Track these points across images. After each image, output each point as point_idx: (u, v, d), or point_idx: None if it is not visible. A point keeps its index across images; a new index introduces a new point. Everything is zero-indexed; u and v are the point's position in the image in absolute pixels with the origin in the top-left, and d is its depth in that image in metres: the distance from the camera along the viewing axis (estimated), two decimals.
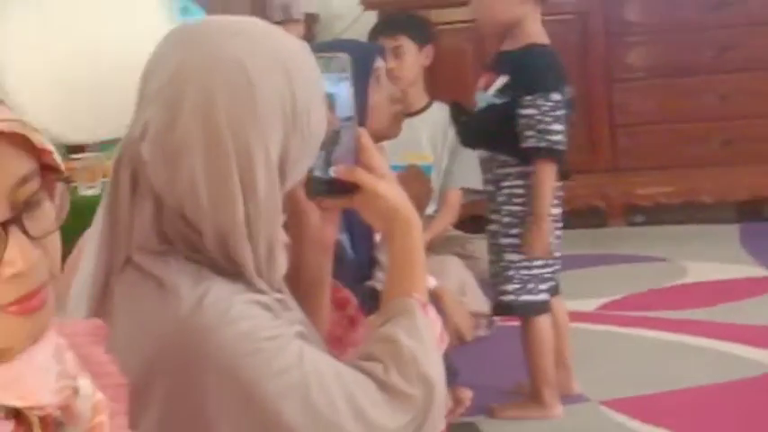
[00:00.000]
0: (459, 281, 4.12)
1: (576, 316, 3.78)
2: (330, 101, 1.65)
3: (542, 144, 3.23)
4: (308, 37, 5.43)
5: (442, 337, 1.69)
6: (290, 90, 1.54)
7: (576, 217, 3.46)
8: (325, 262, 1.78)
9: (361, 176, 1.64)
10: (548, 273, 3.35)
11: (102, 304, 1.56)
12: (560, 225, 3.39)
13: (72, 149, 4.03)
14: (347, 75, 1.68)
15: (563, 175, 3.35)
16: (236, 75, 1.52)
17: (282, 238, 1.63)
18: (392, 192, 1.67)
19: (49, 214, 1.07)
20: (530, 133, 3.23)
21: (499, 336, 3.91)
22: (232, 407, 1.50)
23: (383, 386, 1.57)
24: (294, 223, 1.74)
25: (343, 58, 1.70)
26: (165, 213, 1.55)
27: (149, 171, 1.54)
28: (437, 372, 1.61)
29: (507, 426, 3.30)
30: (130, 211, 1.57)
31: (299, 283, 1.78)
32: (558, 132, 3.24)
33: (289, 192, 1.64)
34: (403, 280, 1.71)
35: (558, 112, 3.24)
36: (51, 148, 1.07)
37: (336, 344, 1.85)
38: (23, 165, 1.04)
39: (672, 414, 3.32)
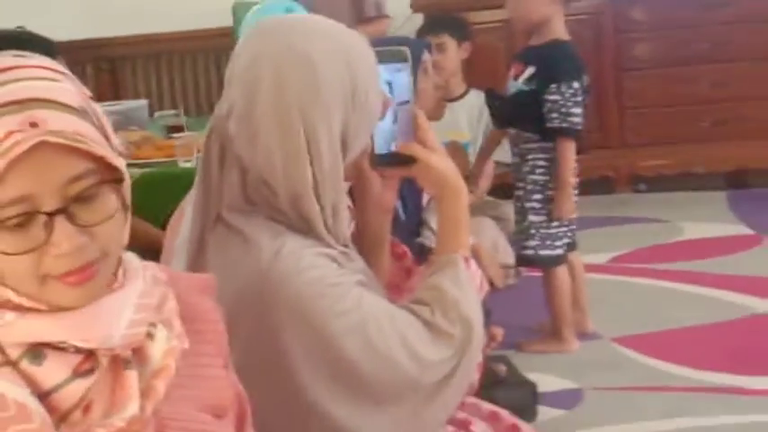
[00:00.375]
0: (492, 239, 4.15)
1: (591, 267, 3.80)
2: (390, 87, 1.65)
3: (564, 124, 3.28)
4: None
5: (481, 286, 1.69)
6: (350, 77, 1.55)
7: (590, 185, 3.47)
8: (386, 222, 1.78)
9: (417, 150, 1.64)
10: (563, 232, 3.39)
11: (198, 256, 1.60)
12: (576, 192, 3.41)
13: (172, 129, 4.10)
14: (407, 65, 1.68)
15: (580, 150, 3.37)
16: (303, 65, 1.53)
17: (346, 201, 1.64)
18: (443, 163, 1.67)
19: (104, 206, 1.08)
20: (554, 115, 3.28)
21: (525, 284, 3.94)
22: (303, 342, 1.51)
23: (429, 326, 1.58)
24: (359, 190, 1.75)
25: (404, 50, 1.70)
26: (248, 179, 1.58)
27: (235, 145, 1.57)
28: (476, 315, 1.61)
29: (532, 358, 3.31)
30: (219, 178, 1.59)
31: (363, 240, 1.78)
32: (576, 115, 3.29)
33: (355, 163, 1.66)
34: (450, 238, 1.71)
35: (578, 98, 3.29)
36: (107, 153, 1.07)
37: (395, 290, 1.84)
38: (76, 166, 1.05)
39: (671, 348, 3.38)
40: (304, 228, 1.57)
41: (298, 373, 1.51)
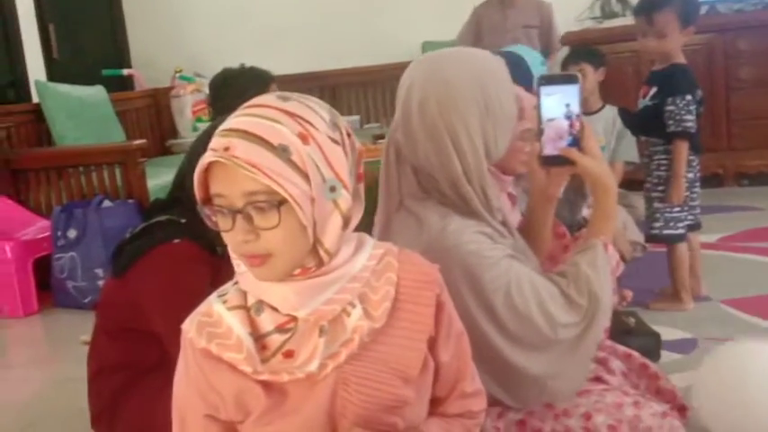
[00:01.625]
0: (622, 221, 4.06)
1: (704, 245, 3.67)
2: (567, 106, 1.60)
3: (678, 128, 3.20)
4: None
5: (617, 267, 1.66)
6: (481, 92, 1.55)
7: (703, 181, 3.37)
8: (549, 209, 1.75)
9: (574, 155, 1.60)
10: (684, 215, 3.30)
11: (385, 235, 1.62)
12: (698, 185, 3.33)
13: (377, 137, 4.18)
14: (576, 86, 1.61)
15: (698, 151, 3.29)
16: (441, 85, 1.55)
17: (492, 184, 1.61)
18: (596, 167, 1.62)
19: (271, 218, 1.10)
20: (671, 122, 3.21)
21: (650, 257, 3.85)
22: (471, 296, 1.52)
23: (564, 294, 1.56)
24: (530, 183, 1.74)
25: (575, 75, 1.66)
26: (419, 173, 1.60)
27: (403, 148, 1.61)
28: (604, 293, 1.57)
29: (657, 314, 3.22)
30: (396, 174, 1.62)
31: (530, 222, 1.78)
32: (689, 121, 3.20)
33: (526, 162, 1.70)
34: (597, 226, 1.66)
35: (690, 107, 3.20)
36: (272, 183, 1.08)
37: (554, 261, 1.85)
38: (254, 184, 1.09)
39: (767, 308, 3.23)
40: (465, 209, 1.57)
41: (475, 319, 1.51)
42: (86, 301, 3.97)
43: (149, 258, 1.95)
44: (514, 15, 4.65)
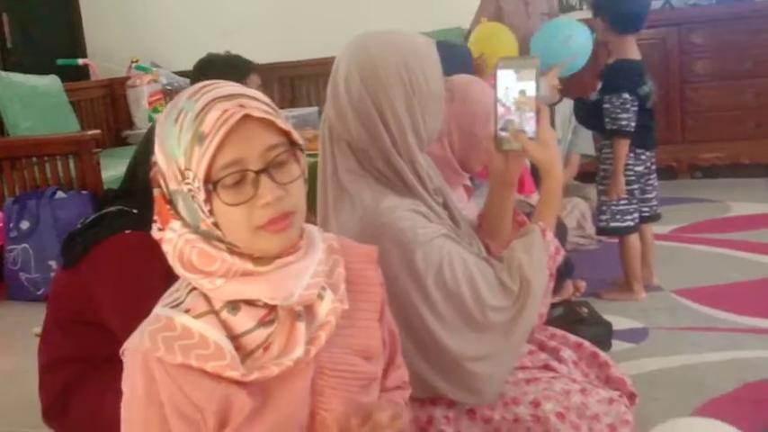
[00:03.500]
0: (581, 214, 4.12)
1: (658, 236, 3.73)
2: (524, 89, 1.58)
3: (614, 126, 3.28)
4: None
5: (557, 252, 1.63)
6: (404, 65, 1.54)
7: (657, 173, 3.43)
8: (508, 195, 1.73)
9: (522, 138, 1.58)
10: (631, 208, 3.35)
11: (324, 214, 1.62)
12: (652, 177, 3.39)
13: None
14: (533, 71, 1.58)
15: (648, 146, 3.33)
16: (364, 59, 1.56)
17: (424, 160, 1.60)
18: (542, 152, 1.59)
19: (292, 171, 1.10)
20: (607, 120, 3.29)
21: (605, 247, 3.92)
22: (404, 274, 1.51)
23: (497, 277, 1.56)
24: (489, 168, 1.71)
25: (534, 58, 1.62)
26: (354, 149, 1.59)
27: (335, 125, 1.60)
28: (537, 278, 1.56)
29: (609, 304, 3.29)
30: (331, 151, 1.61)
31: (490, 208, 1.77)
32: (623, 119, 3.25)
33: (486, 145, 1.67)
34: (540, 212, 1.66)
35: (626, 105, 3.24)
36: (291, 129, 1.10)
37: None
38: (272, 138, 1.09)
39: (718, 298, 3.33)
40: (400, 186, 1.57)
41: (408, 297, 1.52)
42: (40, 293, 3.93)
43: (101, 249, 1.94)
44: (534, 3, 4.64)
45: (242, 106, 1.07)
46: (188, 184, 1.08)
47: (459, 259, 1.55)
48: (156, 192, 1.13)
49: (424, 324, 1.52)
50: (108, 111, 5.97)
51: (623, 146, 3.26)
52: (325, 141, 1.63)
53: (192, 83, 3.45)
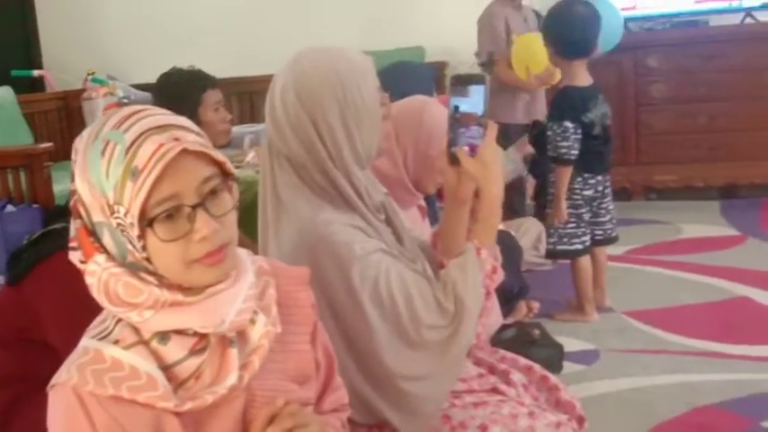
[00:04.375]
0: (537, 235, 4.13)
1: (611, 257, 3.77)
2: (473, 104, 1.59)
3: (554, 154, 3.32)
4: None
5: (494, 270, 1.60)
6: (339, 80, 1.56)
7: (612, 195, 3.47)
8: (461, 211, 1.70)
9: (461, 155, 1.58)
10: (579, 231, 3.38)
11: (264, 230, 1.63)
12: (606, 201, 3.42)
13: None
14: (482, 87, 1.60)
15: (597, 171, 3.35)
16: (299, 74, 1.58)
17: (359, 173, 1.61)
18: (476, 171, 1.58)
19: (225, 202, 1.10)
20: (549, 146, 3.34)
21: (558, 269, 3.94)
22: (339, 286, 1.51)
23: (435, 297, 1.54)
24: (443, 184, 1.70)
25: (482, 75, 1.66)
26: (293, 163, 1.59)
27: (274, 140, 1.61)
28: (471, 297, 1.54)
29: (561, 325, 3.32)
30: (270, 166, 1.61)
31: (445, 226, 1.76)
32: (563, 147, 3.28)
33: (438, 162, 1.66)
34: (474, 231, 1.64)
35: (567, 134, 3.27)
36: (225, 160, 1.10)
37: None
38: (206, 170, 1.08)
39: (670, 321, 3.37)
40: (338, 200, 1.58)
41: (345, 311, 1.51)
42: None
43: (45, 267, 1.90)
44: (528, 15, 4.56)
45: (177, 139, 1.06)
46: (117, 218, 1.06)
47: (396, 275, 1.54)
48: (76, 223, 1.10)
49: (361, 338, 1.52)
50: (63, 123, 5.88)
51: (563, 173, 3.30)
52: (265, 157, 1.64)
53: (154, 97, 3.45)
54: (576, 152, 3.27)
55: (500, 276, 1.63)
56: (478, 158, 1.58)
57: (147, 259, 1.07)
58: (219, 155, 1.10)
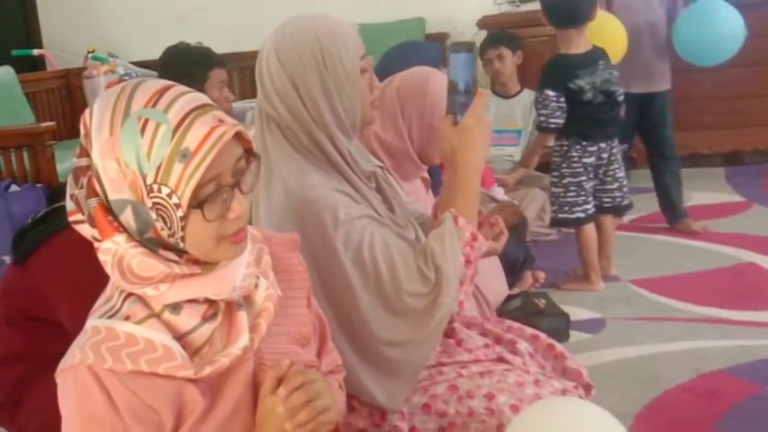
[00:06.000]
0: (541, 205, 4.14)
1: (617, 226, 3.77)
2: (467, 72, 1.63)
3: (538, 120, 3.45)
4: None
5: (474, 238, 1.62)
6: (318, 45, 1.58)
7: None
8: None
9: (444, 122, 1.63)
10: (579, 200, 3.39)
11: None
12: (612, 168, 3.44)
13: None
14: (471, 54, 1.64)
15: (603, 138, 3.38)
16: (283, 40, 1.61)
17: (341, 136, 1.63)
18: (451, 138, 1.62)
19: (250, 179, 1.12)
20: (535, 114, 3.49)
21: (564, 238, 3.95)
22: (321, 251, 1.53)
23: (417, 265, 1.56)
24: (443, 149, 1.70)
25: (472, 42, 1.69)
26: (282, 128, 1.62)
27: (263, 105, 1.64)
28: (450, 265, 1.56)
29: (567, 294, 3.34)
30: (261, 133, 1.64)
31: (445, 194, 1.74)
32: (542, 115, 3.36)
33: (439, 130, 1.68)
34: (446, 200, 1.67)
35: (548, 102, 3.31)
36: (252, 138, 1.13)
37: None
38: (238, 149, 1.10)
39: (675, 288, 3.38)
40: (326, 164, 1.61)
41: (331, 275, 1.54)
42: None
43: (51, 245, 1.91)
44: None
45: (221, 121, 1.07)
46: (155, 197, 1.06)
47: (380, 241, 1.57)
48: (92, 201, 1.10)
49: (344, 302, 1.54)
50: (64, 102, 5.88)
51: (540, 138, 3.39)
52: (257, 123, 1.66)
53: (160, 70, 3.44)
54: (556, 120, 3.31)
55: (481, 244, 1.65)
56: (459, 125, 1.61)
57: (182, 238, 1.08)
58: (250, 135, 1.12)
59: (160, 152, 1.04)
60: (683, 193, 4.15)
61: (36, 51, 6.10)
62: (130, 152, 1.05)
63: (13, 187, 4.00)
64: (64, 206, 1.94)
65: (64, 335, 1.86)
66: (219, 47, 3.66)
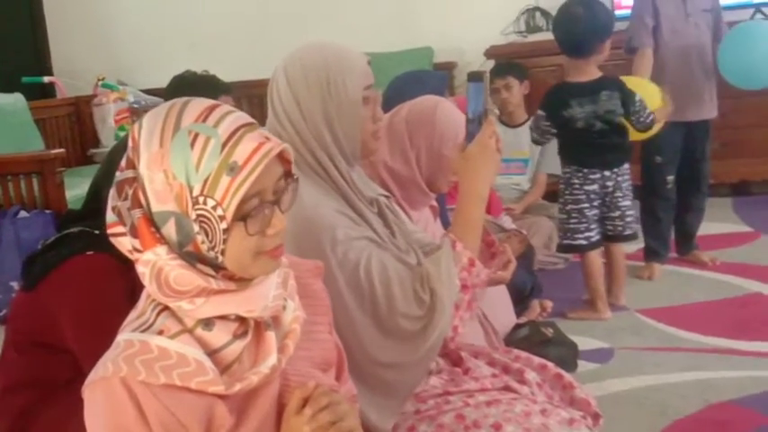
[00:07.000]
0: (548, 234, 4.14)
1: (627, 255, 3.77)
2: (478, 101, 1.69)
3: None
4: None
5: (471, 263, 1.65)
6: (325, 70, 1.64)
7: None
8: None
9: (457, 149, 1.72)
10: (581, 227, 3.41)
11: None
12: (619, 195, 3.43)
13: None
14: (479, 85, 1.69)
15: (603, 166, 3.40)
16: (292, 63, 1.68)
17: (341, 157, 1.67)
18: (459, 165, 1.68)
19: (289, 198, 1.15)
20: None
21: (572, 268, 3.95)
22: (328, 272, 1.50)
23: (413, 286, 1.59)
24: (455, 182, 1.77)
25: (483, 72, 1.73)
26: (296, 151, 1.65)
27: (274, 127, 1.68)
28: (445, 288, 1.58)
29: (574, 324, 3.33)
30: None
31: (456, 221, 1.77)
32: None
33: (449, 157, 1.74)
34: (454, 227, 1.71)
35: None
36: (292, 158, 1.16)
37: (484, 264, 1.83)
38: (280, 168, 1.14)
39: (684, 318, 3.37)
40: (329, 184, 1.65)
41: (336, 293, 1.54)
42: (1, 314, 3.87)
43: (62, 271, 1.91)
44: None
45: (267, 138, 1.11)
46: (200, 209, 1.09)
47: (377, 262, 1.59)
48: (136, 212, 1.11)
49: (339, 321, 1.53)
50: (74, 129, 5.93)
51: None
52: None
53: (167, 98, 3.46)
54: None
55: (479, 270, 1.67)
56: (463, 153, 1.66)
57: (222, 251, 1.10)
58: (291, 155, 1.16)
59: (209, 165, 1.07)
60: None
61: (46, 79, 6.16)
62: (179, 164, 1.08)
63: (22, 213, 4.02)
64: (74, 233, 1.97)
65: (71, 363, 1.88)
66: (228, 75, 3.69)
